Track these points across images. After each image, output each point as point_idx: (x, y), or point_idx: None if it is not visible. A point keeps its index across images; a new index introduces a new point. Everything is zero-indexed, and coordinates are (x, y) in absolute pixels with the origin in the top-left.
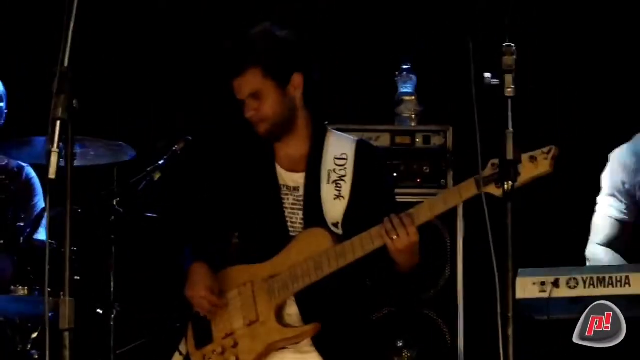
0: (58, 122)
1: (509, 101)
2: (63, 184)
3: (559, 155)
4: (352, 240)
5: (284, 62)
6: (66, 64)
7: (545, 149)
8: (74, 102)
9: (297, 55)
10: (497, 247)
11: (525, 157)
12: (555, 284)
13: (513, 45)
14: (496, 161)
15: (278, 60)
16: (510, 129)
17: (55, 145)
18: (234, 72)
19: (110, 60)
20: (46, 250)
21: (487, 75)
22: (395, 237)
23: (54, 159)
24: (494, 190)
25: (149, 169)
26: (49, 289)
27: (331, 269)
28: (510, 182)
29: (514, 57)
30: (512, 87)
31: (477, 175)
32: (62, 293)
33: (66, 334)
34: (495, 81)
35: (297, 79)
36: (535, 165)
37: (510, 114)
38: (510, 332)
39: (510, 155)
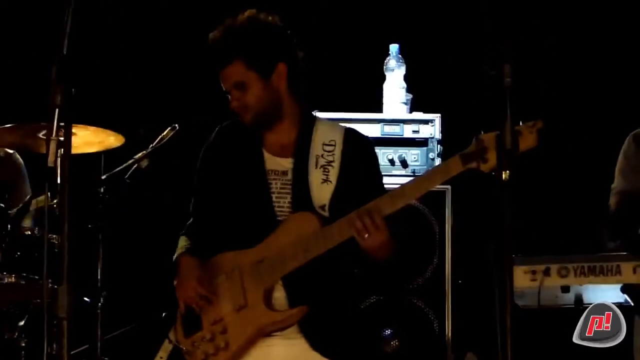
0: (57, 110)
1: (507, 91)
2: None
3: (543, 128)
4: (338, 221)
5: (267, 53)
6: (65, 51)
7: (530, 123)
8: (73, 90)
9: (282, 45)
10: (491, 235)
11: None
12: (546, 272)
13: (511, 35)
14: (480, 136)
15: (261, 51)
16: (509, 119)
17: (54, 133)
18: (218, 63)
19: (99, 48)
20: (44, 239)
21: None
22: (366, 235)
23: (53, 146)
24: (479, 166)
25: (136, 156)
26: (35, 277)
27: (319, 251)
28: (508, 171)
29: (513, 47)
30: (510, 77)
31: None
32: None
33: (64, 322)
34: (492, 72)
35: (281, 69)
36: (520, 140)
37: (508, 104)
38: (508, 322)
39: (508, 145)
